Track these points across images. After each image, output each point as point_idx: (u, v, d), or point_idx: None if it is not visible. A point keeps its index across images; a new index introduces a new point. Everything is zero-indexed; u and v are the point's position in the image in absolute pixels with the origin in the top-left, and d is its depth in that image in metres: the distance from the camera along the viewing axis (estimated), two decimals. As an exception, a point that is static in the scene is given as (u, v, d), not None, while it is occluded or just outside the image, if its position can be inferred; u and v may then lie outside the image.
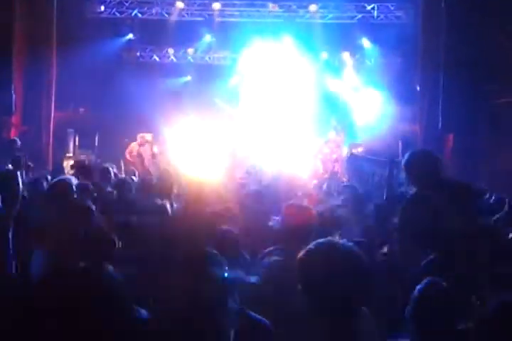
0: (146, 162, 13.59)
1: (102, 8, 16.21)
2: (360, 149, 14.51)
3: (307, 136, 14.70)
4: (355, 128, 15.31)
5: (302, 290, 2.13)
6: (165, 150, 14.25)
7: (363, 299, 2.13)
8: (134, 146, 13.89)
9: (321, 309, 2.09)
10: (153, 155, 13.96)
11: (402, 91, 14.19)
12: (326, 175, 12.80)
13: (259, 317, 2.91)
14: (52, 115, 13.40)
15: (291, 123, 15.09)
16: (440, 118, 12.43)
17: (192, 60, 16.96)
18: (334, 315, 2.08)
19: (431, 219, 3.65)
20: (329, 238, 2.28)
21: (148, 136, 14.51)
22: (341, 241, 2.23)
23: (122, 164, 13.46)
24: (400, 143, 13.53)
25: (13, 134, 12.22)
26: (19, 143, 10.61)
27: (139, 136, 14.13)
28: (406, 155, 4.26)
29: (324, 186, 8.73)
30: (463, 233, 3.53)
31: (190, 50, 16.84)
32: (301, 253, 2.16)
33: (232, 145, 13.78)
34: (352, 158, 12.55)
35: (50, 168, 11.34)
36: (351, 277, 2.06)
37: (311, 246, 2.17)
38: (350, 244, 2.19)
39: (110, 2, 16.27)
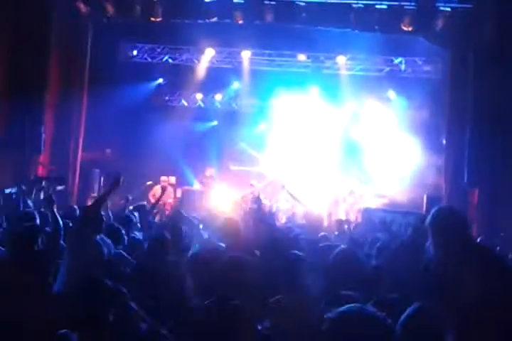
0: (169, 205, 13.61)
1: (135, 52, 16.69)
2: (384, 200, 14.43)
3: (332, 185, 14.70)
4: (380, 179, 15.26)
5: None
6: (187, 194, 14.32)
7: None
8: (157, 189, 13.96)
9: None
10: (176, 199, 14.01)
11: (429, 142, 14.18)
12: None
13: None
14: (80, 155, 13.58)
15: (316, 173, 15.15)
16: (466, 173, 12.36)
17: (219, 106, 17.24)
18: None
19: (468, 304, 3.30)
20: (359, 305, 2.27)
21: (172, 179, 14.61)
22: (371, 308, 2.23)
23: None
24: (425, 197, 13.44)
25: (40, 173, 12.36)
26: (43, 182, 10.74)
27: (162, 179, 14.22)
28: (431, 213, 3.82)
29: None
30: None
31: (218, 96, 17.14)
32: (330, 318, 2.17)
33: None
34: (368, 211, 12.40)
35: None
36: None
37: (341, 310, 2.18)
38: (380, 313, 2.20)
39: (143, 47, 16.73)
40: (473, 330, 2.94)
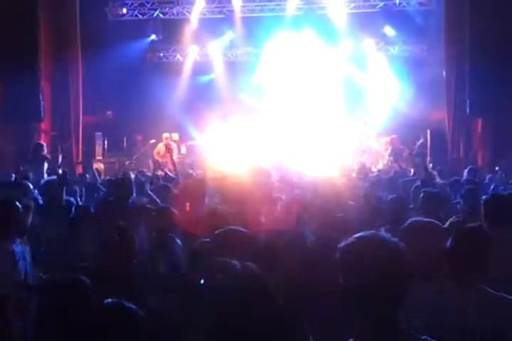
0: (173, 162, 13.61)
1: (124, 10, 16.32)
2: (387, 138, 14.39)
3: (335, 128, 14.61)
4: (382, 118, 15.15)
5: (343, 283, 2.08)
6: (191, 149, 14.33)
7: (406, 294, 2.07)
8: (161, 147, 13.98)
9: (365, 304, 2.05)
10: (181, 155, 14.05)
11: (427, 79, 13.96)
12: (355, 166, 12.69)
13: None
14: (81, 120, 13.59)
15: (317, 117, 15.03)
16: (468, 103, 12.24)
17: (215, 58, 16.99)
18: (378, 311, 2.04)
19: None
20: (373, 231, 2.20)
21: (175, 136, 14.60)
22: (385, 234, 2.15)
23: (151, 165, 13.64)
24: (429, 132, 13.41)
25: (43, 140, 12.42)
26: (45, 147, 10.81)
27: (165, 136, 14.20)
28: None
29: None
30: None
31: (213, 48, 16.87)
32: (343, 245, 2.11)
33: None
34: None
35: (81, 171, 11.54)
36: (395, 271, 2.03)
37: (353, 238, 2.11)
38: (395, 239, 2.12)
39: (132, 4, 16.37)
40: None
